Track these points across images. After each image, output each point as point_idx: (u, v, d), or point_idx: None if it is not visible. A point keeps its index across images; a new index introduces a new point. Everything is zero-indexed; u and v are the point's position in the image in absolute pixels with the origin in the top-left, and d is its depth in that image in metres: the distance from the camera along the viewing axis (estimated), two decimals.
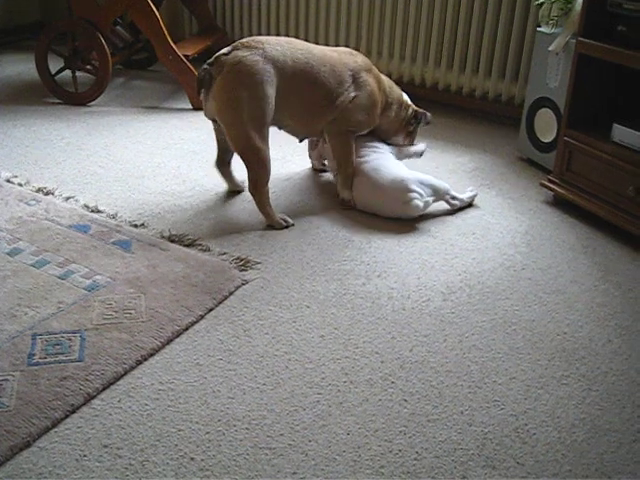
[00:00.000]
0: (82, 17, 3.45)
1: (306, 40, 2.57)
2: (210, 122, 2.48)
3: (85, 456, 1.46)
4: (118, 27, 3.78)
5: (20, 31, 4.71)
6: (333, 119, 2.51)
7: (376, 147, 2.64)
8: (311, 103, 2.46)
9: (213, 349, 1.79)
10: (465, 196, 2.60)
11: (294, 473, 1.45)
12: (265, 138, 2.36)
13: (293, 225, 2.42)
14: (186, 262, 2.14)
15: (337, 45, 3.74)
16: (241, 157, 2.39)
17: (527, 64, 3.25)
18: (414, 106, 2.76)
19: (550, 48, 2.79)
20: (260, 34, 4.05)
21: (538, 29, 2.90)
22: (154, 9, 3.44)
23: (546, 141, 2.91)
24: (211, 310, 1.94)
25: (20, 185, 2.60)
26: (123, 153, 2.99)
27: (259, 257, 2.22)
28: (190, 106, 3.58)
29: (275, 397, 1.64)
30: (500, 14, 3.32)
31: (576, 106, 2.54)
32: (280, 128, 2.54)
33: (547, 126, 2.89)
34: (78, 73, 3.55)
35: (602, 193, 2.46)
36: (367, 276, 2.15)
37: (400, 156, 2.70)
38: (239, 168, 2.53)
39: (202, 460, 1.46)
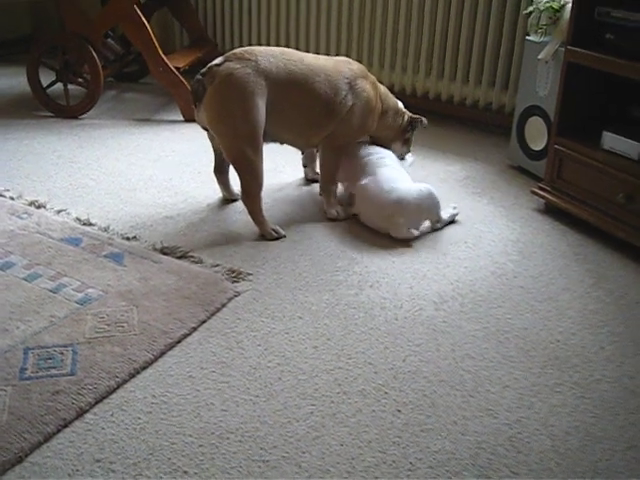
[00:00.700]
0: (74, 30, 3.46)
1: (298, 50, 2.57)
2: (204, 131, 2.49)
3: (78, 471, 1.45)
4: (109, 40, 3.78)
5: (11, 44, 4.71)
6: (332, 131, 2.51)
7: (383, 157, 2.61)
8: (309, 114, 2.46)
9: (206, 361, 1.79)
10: (447, 215, 2.55)
11: None
12: (257, 149, 2.36)
13: (285, 236, 2.42)
14: (178, 274, 2.14)
15: (328, 55, 3.75)
16: (233, 166, 2.40)
17: (517, 73, 3.26)
18: (409, 113, 2.78)
19: (539, 57, 2.80)
20: (251, 45, 4.05)
21: (527, 38, 2.92)
22: (145, 22, 3.45)
23: (537, 149, 2.93)
24: (204, 322, 1.94)
25: (12, 199, 2.60)
26: (115, 166, 2.99)
27: (251, 268, 2.22)
28: (182, 118, 3.59)
29: (268, 409, 1.64)
30: (489, 23, 3.34)
31: (566, 114, 2.56)
32: (282, 143, 2.55)
33: (537, 134, 2.91)
34: (70, 86, 3.55)
35: (593, 200, 2.47)
36: (359, 286, 2.15)
37: None
38: (236, 177, 2.53)
39: (195, 473, 1.46)
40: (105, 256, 2.23)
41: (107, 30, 3.60)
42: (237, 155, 2.35)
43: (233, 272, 2.18)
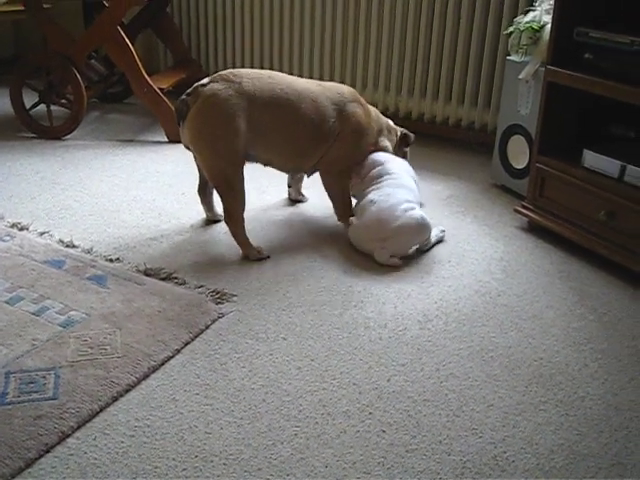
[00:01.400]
0: (57, 51, 3.46)
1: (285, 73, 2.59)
2: (188, 152, 2.49)
3: None
4: (93, 60, 3.79)
5: None
6: (322, 157, 2.52)
7: (394, 173, 2.57)
8: (295, 140, 2.46)
9: (189, 384, 1.78)
10: (433, 237, 2.52)
11: None
12: (237, 170, 2.37)
13: (269, 257, 2.42)
14: (162, 296, 2.13)
15: (312, 77, 3.77)
16: (214, 187, 2.41)
17: (498, 92, 3.29)
18: (399, 128, 2.80)
19: (520, 76, 2.83)
20: (234, 66, 4.07)
21: (508, 58, 2.95)
22: (129, 43, 3.45)
23: (519, 167, 2.95)
24: (187, 344, 1.93)
25: None
26: (98, 187, 2.99)
27: (235, 290, 2.21)
28: (166, 139, 3.59)
29: (252, 431, 1.63)
30: (471, 43, 3.38)
31: (547, 133, 2.58)
32: (265, 165, 2.55)
33: (520, 153, 2.93)
34: (53, 107, 3.54)
35: (575, 218, 2.49)
36: (344, 306, 2.15)
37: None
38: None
39: None
40: (88, 278, 2.22)
41: (91, 51, 3.61)
42: (217, 175, 2.36)
43: (217, 293, 2.17)
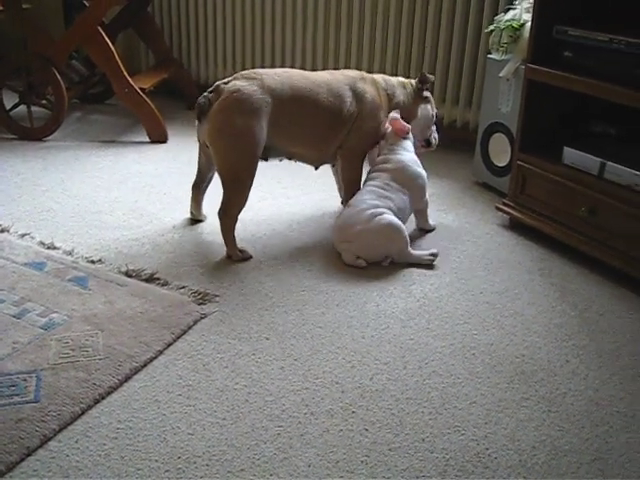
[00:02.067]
0: (37, 52, 3.44)
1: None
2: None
3: None
4: (74, 61, 3.77)
5: None
6: (346, 139, 2.57)
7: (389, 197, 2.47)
8: (319, 127, 2.51)
9: (172, 385, 1.77)
10: (416, 255, 2.42)
11: None
12: (251, 168, 2.38)
13: (251, 257, 2.42)
14: (144, 297, 2.12)
15: None
16: (223, 182, 2.40)
17: (480, 90, 3.31)
18: (412, 80, 2.79)
19: (501, 74, 2.84)
20: (216, 65, 4.07)
21: (489, 56, 2.96)
22: (109, 43, 3.43)
23: (500, 165, 2.96)
24: (170, 345, 1.93)
25: None
26: (80, 188, 2.97)
27: (218, 290, 2.21)
28: (147, 139, 3.57)
29: (235, 432, 1.63)
30: (452, 42, 3.38)
31: (528, 130, 2.59)
32: (290, 159, 2.60)
33: (501, 150, 2.94)
34: (33, 108, 3.52)
35: (556, 215, 2.51)
36: (326, 305, 2.15)
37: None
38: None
39: None
40: (69, 280, 2.21)
41: (71, 51, 3.58)
42: (229, 171, 2.37)
43: (199, 294, 2.16)
